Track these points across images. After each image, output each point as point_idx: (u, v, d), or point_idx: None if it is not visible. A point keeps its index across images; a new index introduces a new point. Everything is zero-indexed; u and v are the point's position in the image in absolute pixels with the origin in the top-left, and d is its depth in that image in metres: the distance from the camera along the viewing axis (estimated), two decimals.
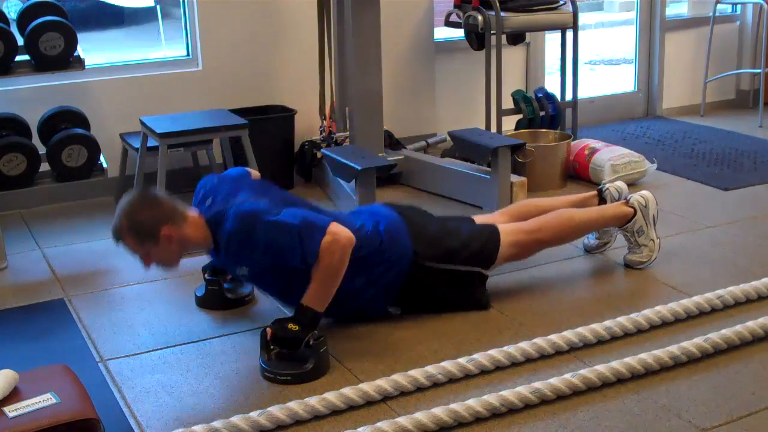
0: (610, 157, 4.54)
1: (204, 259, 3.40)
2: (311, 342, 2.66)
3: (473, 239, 3.12)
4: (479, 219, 3.32)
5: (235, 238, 2.76)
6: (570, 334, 2.83)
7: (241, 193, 2.89)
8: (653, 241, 3.43)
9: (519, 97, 5.04)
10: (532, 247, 3.25)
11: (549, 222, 3.27)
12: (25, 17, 3.88)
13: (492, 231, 3.16)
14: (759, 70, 5.94)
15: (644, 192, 3.45)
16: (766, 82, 5.91)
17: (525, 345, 2.76)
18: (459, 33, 5.22)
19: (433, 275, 3.02)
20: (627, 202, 3.42)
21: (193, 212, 2.90)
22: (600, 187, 3.58)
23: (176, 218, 2.83)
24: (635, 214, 3.38)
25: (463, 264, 3.06)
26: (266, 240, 2.72)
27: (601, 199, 3.53)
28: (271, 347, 2.71)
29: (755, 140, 5.42)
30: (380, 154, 4.35)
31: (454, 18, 5.12)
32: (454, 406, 2.42)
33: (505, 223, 3.26)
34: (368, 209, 3.22)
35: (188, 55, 4.74)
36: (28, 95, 4.31)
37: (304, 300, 2.71)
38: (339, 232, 2.70)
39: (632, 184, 4.39)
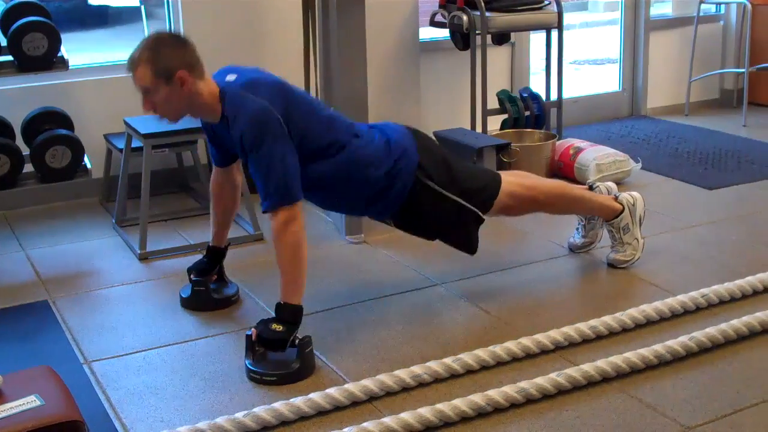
0: (594, 156, 4.56)
1: (189, 260, 3.39)
2: (296, 342, 2.66)
3: (478, 175, 3.15)
4: None
5: (246, 137, 2.72)
6: (555, 334, 2.83)
7: (264, 88, 2.81)
8: (637, 240, 3.44)
9: (504, 97, 5.04)
10: (526, 204, 3.24)
11: (546, 185, 3.31)
12: (8, 17, 3.85)
13: (496, 174, 3.18)
14: (743, 70, 5.97)
15: (634, 192, 3.48)
16: (750, 81, 5.94)
17: (511, 345, 2.76)
18: (444, 33, 5.22)
19: (431, 197, 3.01)
20: (616, 199, 3.43)
21: (212, 79, 2.87)
22: (590, 183, 3.59)
23: (197, 70, 2.79)
24: (623, 211, 3.40)
25: (463, 197, 3.04)
26: (261, 154, 2.70)
27: None
28: (257, 348, 2.70)
29: (739, 139, 5.45)
30: None
31: (439, 18, 5.12)
32: (440, 406, 2.42)
33: None
34: (379, 125, 3.19)
35: None
36: (11, 96, 4.29)
37: (281, 297, 2.72)
38: (295, 218, 2.69)
39: (617, 184, 4.40)
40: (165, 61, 2.74)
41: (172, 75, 2.73)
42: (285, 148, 2.73)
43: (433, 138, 4.72)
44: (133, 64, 2.77)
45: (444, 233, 3.13)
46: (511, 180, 3.20)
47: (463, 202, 3.04)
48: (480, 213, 3.08)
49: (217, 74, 2.93)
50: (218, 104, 2.81)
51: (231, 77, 2.87)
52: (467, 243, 3.13)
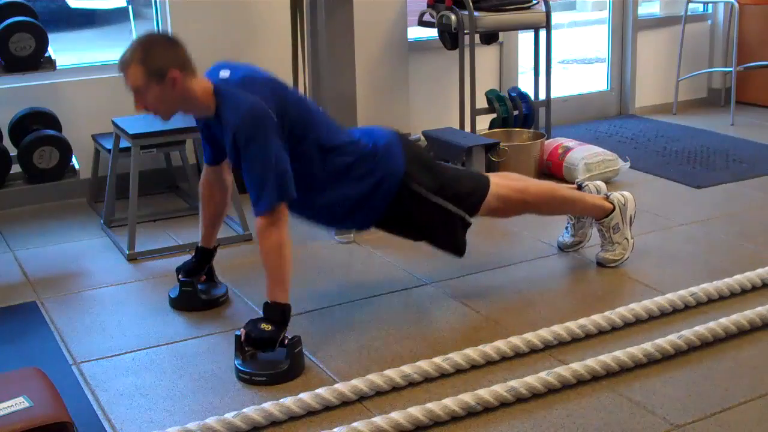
0: (583, 155, 4.57)
1: (178, 261, 3.38)
2: (286, 342, 2.66)
3: (465, 179, 3.14)
4: None
5: (239, 133, 2.71)
6: (545, 333, 2.83)
7: (258, 85, 2.80)
8: (627, 240, 3.45)
9: (493, 97, 5.05)
10: (516, 206, 3.24)
11: (536, 187, 3.30)
12: None
13: (484, 178, 3.17)
14: (730, 69, 5.99)
15: (625, 192, 3.49)
16: (738, 80, 5.96)
17: (500, 344, 2.76)
18: (432, 33, 5.23)
19: (419, 203, 3.01)
20: (607, 198, 3.44)
21: (205, 77, 2.86)
22: (579, 183, 3.59)
23: (189, 68, 2.79)
24: (614, 210, 3.40)
25: (451, 201, 3.04)
26: (255, 150, 2.69)
27: None
28: (246, 348, 2.70)
29: (727, 138, 5.47)
30: None
31: (427, 17, 5.12)
32: (430, 405, 2.41)
33: None
34: (366, 129, 3.19)
35: None
36: None
37: (268, 297, 2.71)
38: (281, 218, 2.69)
39: (605, 183, 4.40)
40: (157, 60, 2.73)
41: (164, 74, 2.73)
42: (278, 145, 2.72)
43: (422, 140, 4.73)
44: (125, 64, 2.76)
45: (430, 237, 3.14)
46: (500, 182, 3.19)
47: (451, 207, 3.04)
48: (467, 217, 3.09)
49: (211, 70, 2.92)
50: (212, 101, 2.81)
51: (225, 73, 2.86)
52: (454, 246, 3.13)
